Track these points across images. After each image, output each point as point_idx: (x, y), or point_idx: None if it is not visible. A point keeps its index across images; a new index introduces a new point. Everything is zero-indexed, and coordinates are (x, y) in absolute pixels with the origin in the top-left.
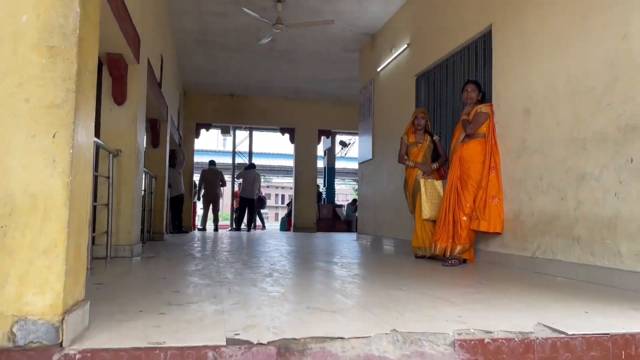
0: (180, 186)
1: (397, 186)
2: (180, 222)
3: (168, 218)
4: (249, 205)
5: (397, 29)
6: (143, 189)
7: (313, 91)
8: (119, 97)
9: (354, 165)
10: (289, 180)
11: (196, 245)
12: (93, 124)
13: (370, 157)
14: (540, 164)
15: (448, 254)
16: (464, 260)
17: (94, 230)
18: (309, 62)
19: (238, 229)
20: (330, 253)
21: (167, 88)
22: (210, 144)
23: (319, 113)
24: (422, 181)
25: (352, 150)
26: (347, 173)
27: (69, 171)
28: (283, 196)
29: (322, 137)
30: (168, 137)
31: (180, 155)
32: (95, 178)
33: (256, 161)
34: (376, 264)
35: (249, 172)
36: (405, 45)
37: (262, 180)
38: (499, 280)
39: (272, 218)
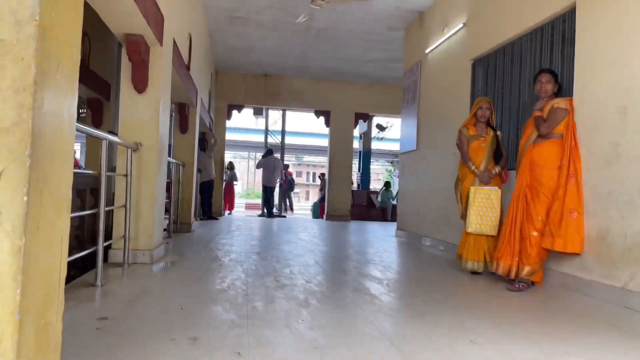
0: (211, 171)
1: (445, 184)
2: (210, 207)
3: (198, 203)
4: (272, 192)
5: (451, 6)
6: (169, 178)
7: (351, 72)
8: (140, 84)
9: (390, 147)
10: (321, 159)
11: (224, 240)
12: (72, 150)
13: (414, 147)
14: (638, 175)
15: (513, 275)
16: (532, 283)
17: (110, 236)
18: (349, 42)
19: (270, 214)
20: (371, 260)
21: (196, 70)
22: (243, 122)
23: (356, 95)
24: (472, 188)
25: (389, 132)
26: (381, 154)
27: (22, 229)
28: (314, 174)
29: (359, 121)
30: (197, 122)
31: (211, 139)
32: (109, 178)
33: (289, 140)
34: (427, 283)
35: (269, 160)
36: (461, 25)
37: (291, 161)
38: (592, 323)
39: (302, 197)
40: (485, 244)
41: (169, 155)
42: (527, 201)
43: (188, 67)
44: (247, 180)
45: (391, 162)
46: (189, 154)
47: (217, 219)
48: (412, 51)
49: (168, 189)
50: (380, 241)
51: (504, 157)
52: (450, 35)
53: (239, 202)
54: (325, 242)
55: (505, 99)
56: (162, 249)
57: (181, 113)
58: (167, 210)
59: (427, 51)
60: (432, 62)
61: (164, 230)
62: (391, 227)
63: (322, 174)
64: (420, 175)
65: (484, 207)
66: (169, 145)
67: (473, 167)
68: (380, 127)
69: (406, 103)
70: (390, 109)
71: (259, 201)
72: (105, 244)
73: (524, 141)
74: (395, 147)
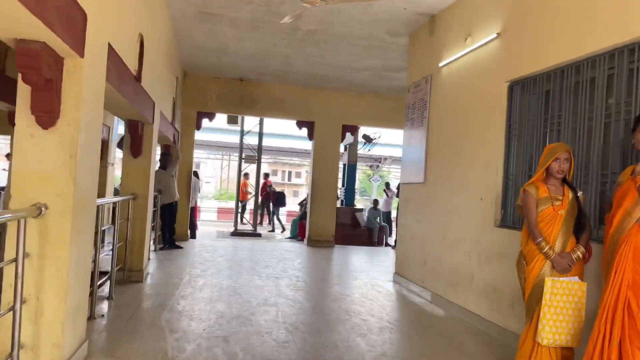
0: (173, 192)
1: (466, 234)
2: (172, 233)
3: (157, 230)
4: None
5: (478, 10)
6: (110, 220)
7: (339, 80)
8: (45, 117)
9: (373, 151)
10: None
11: (182, 302)
12: None
13: (421, 180)
14: None
15: None
16: None
17: None
18: (341, 47)
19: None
20: (367, 331)
21: (152, 77)
22: (217, 122)
23: (344, 105)
24: (548, 281)
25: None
26: (360, 158)
27: None
28: (290, 173)
29: (347, 134)
30: (155, 141)
31: (174, 153)
32: None
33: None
34: None
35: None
36: (494, 35)
37: (267, 160)
38: None
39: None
40: (560, 353)
41: (119, 184)
42: (628, 307)
43: (139, 77)
44: (221, 178)
45: (370, 166)
46: (142, 182)
47: (181, 247)
48: (418, 62)
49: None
50: (378, 296)
51: (588, 230)
52: (476, 48)
53: (209, 206)
54: (304, 284)
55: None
56: (84, 349)
57: (132, 133)
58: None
59: (440, 64)
60: (448, 78)
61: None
62: (383, 258)
63: (304, 201)
64: (429, 216)
65: (564, 307)
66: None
67: (546, 248)
68: (368, 139)
69: (410, 123)
70: (382, 121)
71: (232, 205)
72: None
73: (618, 217)
74: (378, 152)
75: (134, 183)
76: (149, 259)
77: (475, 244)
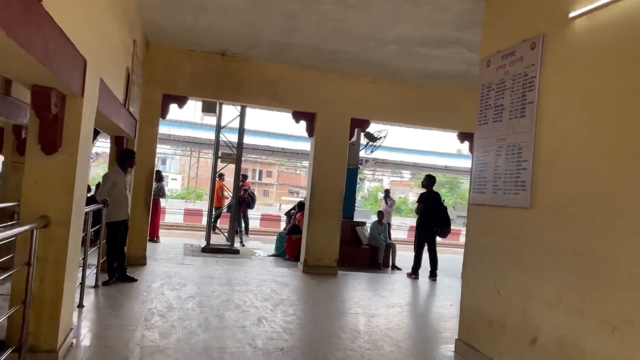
0: (126, 204)
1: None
2: (122, 261)
3: (101, 255)
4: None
5: None
6: None
7: (355, 58)
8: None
9: (379, 155)
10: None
11: None
12: None
13: (524, 203)
14: None
15: None
16: None
17: None
18: (376, 3)
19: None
20: None
21: (80, 12)
22: (184, 115)
23: (354, 94)
24: None
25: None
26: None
27: None
28: (260, 172)
29: (356, 130)
30: (86, 128)
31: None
32: None
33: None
34: None
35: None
36: None
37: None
38: None
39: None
40: None
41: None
42: None
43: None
44: (189, 175)
45: (383, 181)
46: (60, 197)
47: (135, 280)
48: (511, 19)
49: None
50: None
51: None
52: None
53: (175, 207)
54: None
55: None
56: None
57: (41, 110)
58: None
59: (572, 14)
60: (590, 36)
61: None
62: (405, 291)
63: (293, 209)
64: (544, 262)
65: None
66: None
67: None
68: (371, 137)
69: (491, 114)
70: (400, 115)
71: (200, 205)
72: None
73: None
74: (386, 156)
75: (46, 199)
76: (70, 327)
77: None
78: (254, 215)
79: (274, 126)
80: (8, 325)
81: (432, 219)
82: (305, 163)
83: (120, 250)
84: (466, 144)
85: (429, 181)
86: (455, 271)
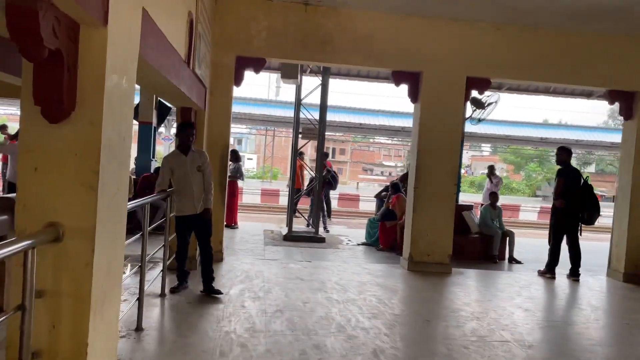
0: (186, 199)
1: None
2: (205, 267)
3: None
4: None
5: None
6: None
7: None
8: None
9: (486, 130)
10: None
11: None
12: None
13: None
14: None
15: None
16: None
17: None
18: None
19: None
20: None
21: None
22: (253, 91)
23: (470, 46)
24: None
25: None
26: (470, 137)
27: None
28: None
29: (472, 92)
30: (107, 88)
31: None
32: None
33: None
34: None
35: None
36: None
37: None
38: None
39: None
40: None
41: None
42: None
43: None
44: (264, 154)
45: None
46: (78, 192)
47: (221, 294)
48: None
49: None
50: None
51: None
52: None
53: (252, 188)
54: None
55: None
56: None
57: (27, 50)
58: None
59: None
60: None
61: None
62: (539, 298)
63: (385, 189)
64: None
65: None
66: None
67: None
68: (478, 104)
69: None
70: (529, 71)
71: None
72: None
73: None
74: (495, 130)
75: (54, 195)
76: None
77: None
78: (332, 196)
79: (350, 101)
80: None
81: (576, 202)
82: (380, 139)
83: (202, 252)
84: (616, 105)
85: (566, 153)
86: (598, 266)
